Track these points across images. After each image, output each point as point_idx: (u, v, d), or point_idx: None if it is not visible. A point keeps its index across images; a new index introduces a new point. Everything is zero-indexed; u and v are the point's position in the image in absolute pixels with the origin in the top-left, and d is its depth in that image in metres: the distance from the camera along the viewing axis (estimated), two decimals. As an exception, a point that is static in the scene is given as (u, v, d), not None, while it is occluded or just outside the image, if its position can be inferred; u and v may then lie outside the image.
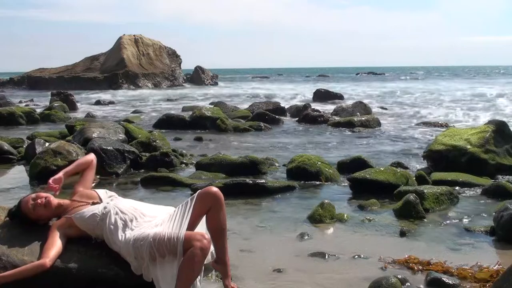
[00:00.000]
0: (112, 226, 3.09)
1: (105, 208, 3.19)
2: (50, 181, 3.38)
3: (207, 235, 2.97)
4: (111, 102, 25.68)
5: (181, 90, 35.86)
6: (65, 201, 3.36)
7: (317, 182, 7.18)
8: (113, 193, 3.44)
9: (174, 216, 3.10)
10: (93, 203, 3.28)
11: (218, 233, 3.18)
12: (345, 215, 5.51)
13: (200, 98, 28.45)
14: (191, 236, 2.88)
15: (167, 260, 2.88)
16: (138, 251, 2.94)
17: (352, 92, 31.28)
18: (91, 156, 3.68)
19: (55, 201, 3.31)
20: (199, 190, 3.23)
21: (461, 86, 37.31)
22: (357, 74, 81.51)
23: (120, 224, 3.09)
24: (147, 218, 3.15)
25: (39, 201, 3.25)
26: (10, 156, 9.07)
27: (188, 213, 3.06)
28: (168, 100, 26.68)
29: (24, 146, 9.91)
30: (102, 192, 3.40)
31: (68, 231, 3.19)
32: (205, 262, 3.03)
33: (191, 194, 6.55)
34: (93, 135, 9.06)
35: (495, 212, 5.09)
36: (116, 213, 3.14)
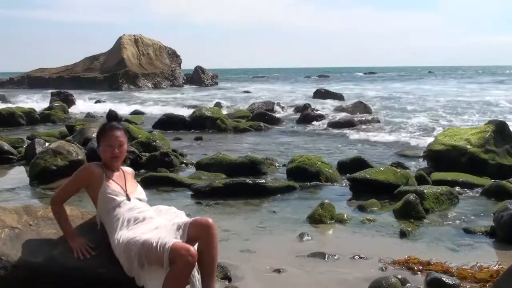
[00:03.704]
0: (115, 222, 3.06)
1: (124, 202, 3.15)
2: None
3: (193, 250, 2.81)
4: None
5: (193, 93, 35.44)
6: (122, 168, 3.35)
7: (317, 182, 7.18)
8: (143, 203, 3.29)
9: (169, 226, 3.01)
10: (126, 194, 3.20)
11: (206, 269, 2.96)
12: (345, 216, 5.51)
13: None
14: (176, 250, 2.76)
15: (154, 269, 2.83)
16: (128, 254, 2.91)
17: (352, 92, 31.26)
18: None
19: (119, 165, 3.33)
20: (195, 218, 3.09)
21: (464, 86, 37.32)
22: (357, 74, 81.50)
23: (122, 222, 3.05)
24: (147, 220, 3.11)
25: (117, 155, 3.24)
26: (10, 156, 9.08)
27: (182, 231, 2.96)
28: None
29: (24, 146, 9.92)
30: (139, 193, 3.31)
31: (88, 191, 3.21)
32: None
33: (191, 195, 6.61)
34: (93, 135, 9.06)
35: (495, 213, 5.08)
36: (128, 210, 3.11)
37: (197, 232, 2.97)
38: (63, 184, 3.31)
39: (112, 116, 3.38)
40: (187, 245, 2.82)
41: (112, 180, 3.23)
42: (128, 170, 3.50)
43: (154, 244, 2.80)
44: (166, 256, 2.75)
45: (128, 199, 3.19)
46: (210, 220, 3.04)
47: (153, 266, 2.83)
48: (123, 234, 2.99)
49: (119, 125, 3.35)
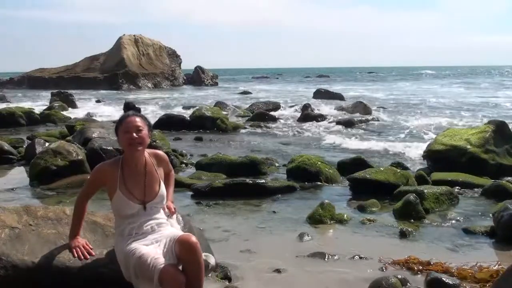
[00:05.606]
0: (123, 229, 3.01)
1: (138, 213, 3.02)
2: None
3: (180, 278, 2.74)
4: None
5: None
6: (147, 161, 3.12)
7: (317, 183, 7.17)
8: (159, 210, 3.15)
9: (168, 241, 2.92)
10: (143, 202, 3.03)
11: None
12: (345, 216, 5.51)
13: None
14: (164, 274, 2.71)
15: (148, 283, 2.80)
16: (127, 264, 2.91)
17: (352, 92, 31.28)
18: None
19: (142, 151, 3.08)
20: (181, 236, 2.87)
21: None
22: (357, 74, 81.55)
23: (130, 233, 2.99)
24: (156, 231, 3.04)
25: (137, 141, 2.99)
26: (10, 156, 9.08)
27: (172, 252, 2.85)
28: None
29: (24, 146, 9.92)
30: (160, 197, 3.11)
31: (105, 188, 3.07)
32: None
33: (191, 195, 6.61)
34: (93, 135, 9.06)
35: (495, 213, 5.08)
36: (140, 223, 3.00)
37: (180, 252, 2.80)
38: (84, 183, 3.27)
39: (129, 106, 3.26)
40: (175, 273, 2.74)
41: (129, 186, 3.02)
42: (158, 156, 3.21)
43: (148, 261, 2.78)
44: (156, 277, 2.74)
45: (144, 208, 3.04)
46: (193, 238, 2.83)
47: (146, 280, 2.82)
48: (127, 244, 2.95)
49: (137, 113, 3.13)
